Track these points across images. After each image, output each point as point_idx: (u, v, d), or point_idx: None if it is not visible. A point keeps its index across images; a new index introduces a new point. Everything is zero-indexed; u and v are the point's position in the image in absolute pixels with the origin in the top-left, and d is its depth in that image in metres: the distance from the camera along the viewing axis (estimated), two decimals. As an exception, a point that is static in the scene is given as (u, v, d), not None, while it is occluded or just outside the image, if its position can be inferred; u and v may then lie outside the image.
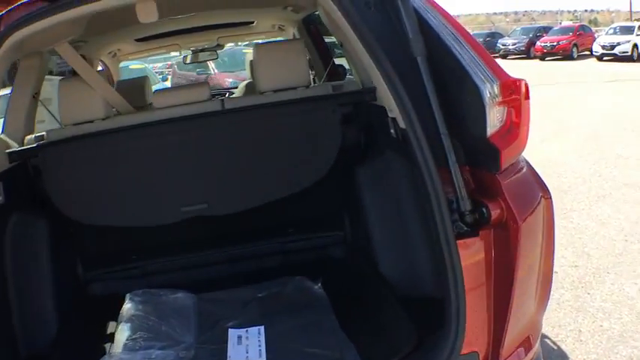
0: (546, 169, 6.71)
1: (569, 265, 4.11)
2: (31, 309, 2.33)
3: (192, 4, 3.14)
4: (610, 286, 3.76)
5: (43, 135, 2.68)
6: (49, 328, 2.37)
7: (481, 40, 30.23)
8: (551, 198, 1.85)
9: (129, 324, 2.37)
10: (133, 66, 12.69)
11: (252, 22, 4.55)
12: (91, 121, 2.60)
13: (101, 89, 2.65)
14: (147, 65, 14.24)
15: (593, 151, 7.56)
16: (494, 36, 31.98)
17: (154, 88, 9.73)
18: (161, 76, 16.16)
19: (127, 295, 2.56)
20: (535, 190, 1.82)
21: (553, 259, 1.92)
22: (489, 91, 1.65)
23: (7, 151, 2.45)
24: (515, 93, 1.69)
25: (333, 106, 2.66)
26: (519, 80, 1.72)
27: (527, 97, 1.71)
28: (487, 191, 1.71)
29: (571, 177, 6.47)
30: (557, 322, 3.35)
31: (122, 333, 2.33)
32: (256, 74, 2.76)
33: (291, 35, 4.68)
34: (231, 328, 2.29)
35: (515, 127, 1.69)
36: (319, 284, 2.55)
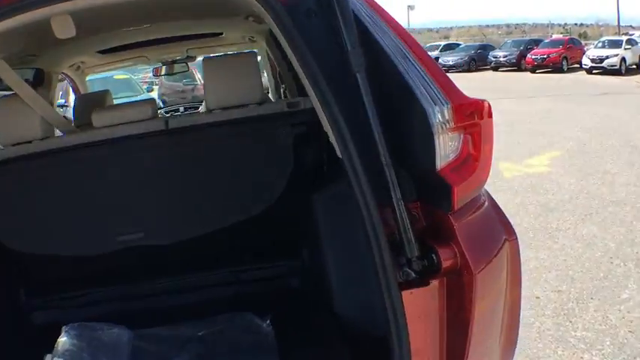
0: (533, 185, 6.60)
1: (552, 290, 3.92)
2: None
3: (124, 18, 2.90)
4: (593, 314, 3.56)
5: None
6: None
7: (473, 52, 30.29)
8: (516, 239, 1.60)
9: (67, 351, 2.20)
10: (117, 76, 12.49)
11: (221, 34, 4.34)
12: (29, 142, 2.38)
13: (39, 107, 2.42)
14: (132, 76, 14.00)
15: (581, 167, 7.41)
16: (485, 48, 31.98)
17: (135, 99, 9.53)
18: (146, 86, 15.89)
19: (63, 328, 2.34)
20: (496, 231, 1.57)
21: (519, 306, 1.68)
22: (439, 114, 1.40)
23: None
24: (472, 117, 1.44)
25: (284, 126, 2.43)
26: (479, 101, 1.48)
27: (488, 118, 1.48)
28: (439, 233, 1.47)
29: (558, 194, 6.31)
30: (536, 354, 3.15)
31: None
32: (205, 90, 2.54)
33: (263, 47, 4.49)
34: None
35: (472, 160, 1.45)
36: (268, 321, 2.32)
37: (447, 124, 1.41)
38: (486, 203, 1.61)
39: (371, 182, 1.44)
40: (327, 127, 1.54)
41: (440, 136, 1.40)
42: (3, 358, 2.29)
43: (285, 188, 2.42)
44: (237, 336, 2.27)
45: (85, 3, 1.83)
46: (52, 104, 4.11)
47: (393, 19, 1.56)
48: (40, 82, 3.84)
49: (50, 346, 2.25)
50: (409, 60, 1.45)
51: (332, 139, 1.53)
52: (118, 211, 2.44)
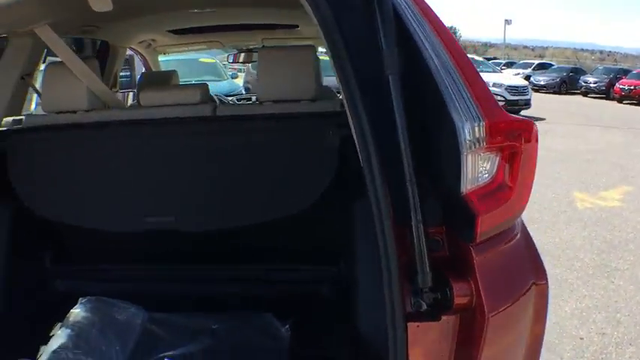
0: (603, 219, 6.29)
1: (597, 332, 3.70)
2: None
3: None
4: (627, 360, 3.36)
5: (21, 119, 2.52)
6: None
7: (565, 74, 29.28)
8: (546, 283, 1.41)
9: (69, 330, 2.19)
10: (202, 59, 12.74)
11: (297, 26, 4.28)
12: (74, 112, 2.41)
13: (87, 79, 2.44)
14: (218, 61, 14.14)
15: (655, 204, 6.99)
16: (577, 72, 30.79)
17: (219, 84, 9.67)
18: (231, 73, 16.04)
19: (80, 300, 2.35)
20: (524, 272, 1.39)
21: (537, 356, 1.49)
22: (469, 131, 1.24)
23: None
24: (510, 138, 1.28)
25: (332, 126, 2.31)
26: (522, 122, 1.32)
27: (532, 142, 1.31)
28: (457, 265, 1.32)
29: (624, 231, 5.95)
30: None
31: (58, 339, 2.14)
32: (258, 81, 2.48)
33: None
34: (167, 358, 2.03)
35: (507, 188, 1.28)
36: (287, 326, 2.23)
37: (479, 144, 1.25)
38: (518, 238, 1.42)
39: (393, 198, 1.32)
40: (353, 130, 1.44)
41: (468, 156, 1.24)
42: (21, 319, 2.31)
43: (326, 191, 2.32)
44: (251, 335, 2.20)
45: None
46: (115, 76, 4.21)
47: (438, 20, 1.40)
48: (104, 53, 3.94)
49: (62, 317, 2.27)
50: (448, 68, 1.30)
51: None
52: (150, 192, 2.42)
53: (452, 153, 1.27)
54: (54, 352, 2.06)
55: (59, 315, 2.27)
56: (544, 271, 1.42)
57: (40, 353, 2.07)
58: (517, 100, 16.17)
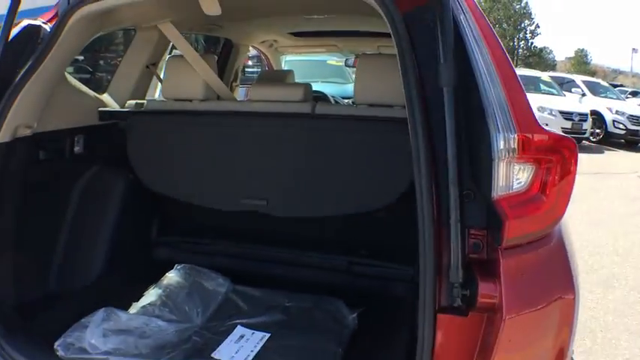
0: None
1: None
2: (80, 251, 2.50)
3: (301, 6, 3.09)
4: None
5: (143, 103, 2.85)
6: (91, 271, 2.55)
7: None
8: (575, 297, 1.41)
9: (160, 290, 2.46)
10: (330, 62, 13.11)
11: None
12: (190, 100, 2.70)
13: (204, 72, 2.72)
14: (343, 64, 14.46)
15: None
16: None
17: (344, 86, 9.93)
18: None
19: (175, 266, 2.64)
20: (551, 283, 1.41)
21: None
22: (502, 141, 1.32)
23: (100, 109, 2.64)
24: (545, 152, 1.34)
25: None
26: (555, 136, 1.37)
27: (568, 157, 1.35)
28: (487, 267, 1.38)
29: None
30: None
31: (149, 297, 2.42)
32: (355, 85, 2.65)
33: None
34: (241, 325, 2.22)
35: (541, 199, 1.33)
36: (355, 315, 2.35)
37: (511, 154, 1.32)
38: (552, 249, 1.44)
39: (440, 199, 1.43)
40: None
41: (500, 164, 1.32)
42: (123, 279, 2.61)
43: (406, 192, 2.42)
44: (319, 317, 2.33)
45: None
46: (236, 71, 4.56)
47: (492, 33, 1.47)
48: (227, 50, 4.30)
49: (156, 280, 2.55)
50: (495, 84, 1.37)
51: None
52: (247, 177, 2.63)
53: (486, 160, 1.35)
54: (143, 307, 2.33)
55: (156, 279, 2.56)
56: (573, 286, 1.41)
57: (131, 307, 2.33)
58: (637, 130, 15.08)
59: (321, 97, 5.08)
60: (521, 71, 17.78)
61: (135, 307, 2.33)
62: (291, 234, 2.79)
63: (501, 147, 1.31)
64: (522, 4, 54.10)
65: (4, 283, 2.09)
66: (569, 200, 1.37)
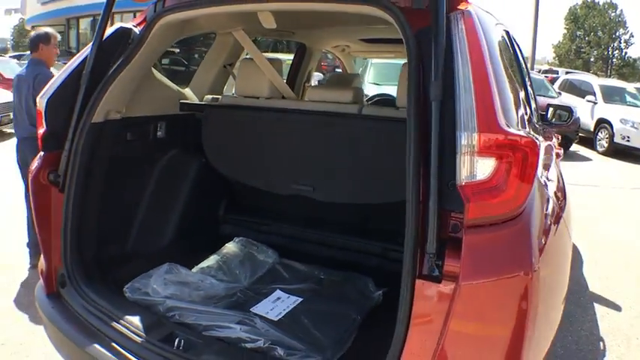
0: None
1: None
2: (155, 220, 2.96)
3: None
4: None
5: (219, 97, 3.30)
6: (163, 238, 3.01)
7: None
8: (532, 277, 1.59)
9: (218, 257, 2.93)
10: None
11: None
12: (257, 98, 3.10)
13: (270, 74, 3.13)
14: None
15: None
16: None
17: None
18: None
19: (235, 239, 3.10)
20: (510, 260, 1.61)
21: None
22: (465, 139, 1.57)
23: (180, 101, 3.11)
24: (505, 150, 1.57)
25: None
26: (518, 139, 1.59)
27: (532, 158, 1.59)
28: (457, 243, 1.61)
29: None
30: None
31: (208, 261, 2.88)
32: (398, 89, 2.91)
33: None
34: (280, 289, 2.61)
35: (500, 188, 1.57)
36: (381, 292, 2.63)
37: (472, 148, 1.56)
38: (514, 233, 1.64)
39: (426, 189, 1.66)
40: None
41: (463, 157, 1.57)
42: (192, 248, 3.03)
43: None
44: (348, 290, 2.65)
45: (277, 6, 2.43)
46: (309, 73, 4.96)
47: (480, 51, 1.67)
48: (301, 53, 4.70)
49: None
50: (469, 92, 1.61)
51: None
52: (298, 166, 3.00)
53: (453, 155, 1.61)
54: (201, 268, 2.78)
55: (213, 249, 3.02)
56: (531, 266, 1.59)
57: (192, 268, 2.76)
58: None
59: (388, 99, 5.37)
60: (607, 81, 16.92)
61: (195, 268, 2.78)
62: (334, 219, 3.13)
63: (463, 143, 1.56)
64: (617, 12, 51.81)
65: (89, 239, 2.52)
66: (529, 191, 1.61)
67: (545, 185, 2.09)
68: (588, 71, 42.64)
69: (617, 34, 52.52)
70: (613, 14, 52.08)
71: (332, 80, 4.80)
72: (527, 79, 3.27)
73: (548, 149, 2.82)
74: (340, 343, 2.18)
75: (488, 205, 1.56)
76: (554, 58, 59.04)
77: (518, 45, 3.59)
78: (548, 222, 1.90)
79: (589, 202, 7.85)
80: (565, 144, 13.55)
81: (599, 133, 13.76)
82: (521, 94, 2.57)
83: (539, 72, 22.00)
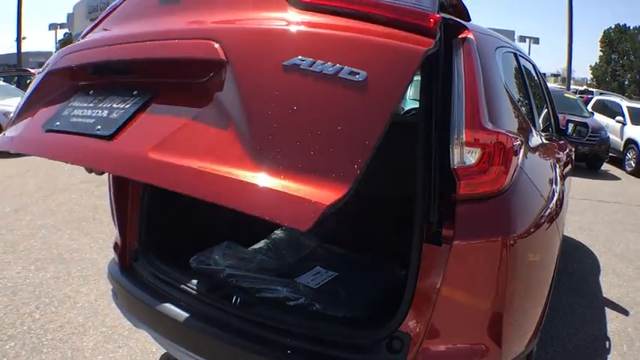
0: None
1: None
2: (217, 208, 3.45)
3: None
4: None
5: None
6: (223, 222, 3.46)
7: None
8: (510, 243, 2.03)
9: (268, 241, 3.46)
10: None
11: None
12: None
13: None
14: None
15: None
16: None
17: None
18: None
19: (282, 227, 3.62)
20: (494, 227, 2.04)
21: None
22: (456, 134, 2.00)
23: None
24: (487, 144, 2.01)
25: None
26: (496, 135, 2.05)
27: (508, 150, 2.05)
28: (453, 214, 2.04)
29: None
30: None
31: (261, 243, 3.42)
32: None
33: None
34: (319, 266, 3.12)
35: (484, 171, 2.01)
36: (404, 272, 3.06)
37: (461, 141, 1.99)
38: (497, 207, 2.06)
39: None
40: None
41: (455, 148, 1.99)
42: (250, 234, 3.42)
43: None
44: (377, 269, 3.13)
45: None
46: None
47: (474, 71, 2.09)
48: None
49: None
50: (461, 102, 2.03)
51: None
52: None
53: (446, 145, 2.03)
54: (254, 248, 3.31)
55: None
56: (510, 233, 2.05)
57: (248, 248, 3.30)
58: None
59: None
60: (635, 104, 16.88)
61: (259, 244, 3.36)
62: (368, 212, 3.56)
63: (455, 137, 2.00)
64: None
65: (161, 220, 3.00)
66: (507, 175, 2.05)
67: (537, 179, 2.53)
68: (623, 94, 42.39)
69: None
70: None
71: None
72: (532, 94, 3.62)
73: (549, 154, 3.23)
74: (368, 306, 2.67)
75: (474, 184, 2.01)
76: (591, 80, 58.48)
77: (531, 65, 4.04)
78: (534, 208, 2.36)
79: (614, 217, 8.13)
80: (596, 163, 13.74)
81: (628, 153, 14.00)
82: (524, 106, 3.03)
83: (575, 92, 22.09)
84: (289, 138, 1.60)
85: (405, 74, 1.65)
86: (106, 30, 2.61)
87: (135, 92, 2.12)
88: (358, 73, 1.62)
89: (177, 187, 1.71)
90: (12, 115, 2.68)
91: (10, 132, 2.53)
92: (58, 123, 2.24)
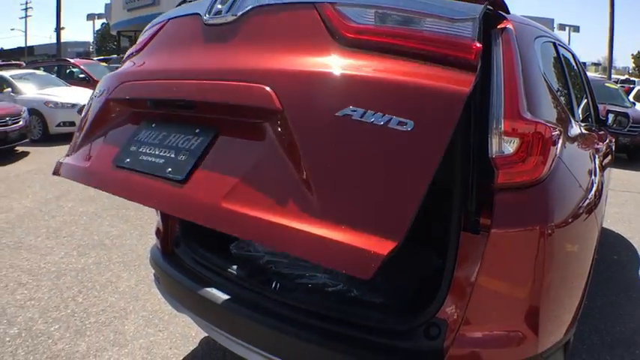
0: None
1: None
2: None
3: None
4: None
5: None
6: None
7: None
8: (547, 232, 2.03)
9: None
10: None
11: None
12: None
13: None
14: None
15: None
16: None
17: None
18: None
19: None
20: (531, 216, 2.04)
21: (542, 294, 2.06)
22: (495, 124, 2.01)
23: None
24: (525, 133, 2.02)
25: None
26: (535, 124, 2.05)
27: (547, 140, 2.04)
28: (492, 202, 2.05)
29: None
30: None
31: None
32: None
33: None
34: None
35: (523, 160, 2.01)
36: (441, 261, 3.10)
37: (500, 131, 2.00)
38: (536, 196, 2.06)
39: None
40: None
41: (493, 137, 2.00)
42: None
43: None
44: (414, 259, 3.16)
45: None
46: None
47: (513, 66, 2.10)
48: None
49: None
50: (500, 94, 2.03)
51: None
52: None
53: (485, 135, 2.03)
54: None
55: None
56: (547, 222, 2.05)
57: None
58: None
59: None
60: None
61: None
62: None
63: (494, 127, 2.01)
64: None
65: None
66: (545, 165, 2.05)
67: (576, 170, 2.52)
68: (667, 83, 41.02)
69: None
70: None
71: None
72: (571, 84, 3.57)
73: (588, 144, 3.20)
74: (405, 293, 2.69)
75: (512, 173, 2.02)
76: (633, 69, 56.95)
77: (571, 54, 3.99)
78: (572, 198, 2.36)
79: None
80: (637, 154, 13.47)
81: (671, 145, 13.62)
82: (563, 96, 3.01)
83: (616, 82, 21.52)
84: (345, 189, 1.69)
85: (448, 121, 1.67)
86: (154, 54, 2.68)
87: (197, 130, 2.20)
88: (406, 123, 1.67)
89: (247, 236, 1.84)
90: (72, 142, 2.75)
91: (74, 160, 2.63)
92: (128, 160, 2.32)
